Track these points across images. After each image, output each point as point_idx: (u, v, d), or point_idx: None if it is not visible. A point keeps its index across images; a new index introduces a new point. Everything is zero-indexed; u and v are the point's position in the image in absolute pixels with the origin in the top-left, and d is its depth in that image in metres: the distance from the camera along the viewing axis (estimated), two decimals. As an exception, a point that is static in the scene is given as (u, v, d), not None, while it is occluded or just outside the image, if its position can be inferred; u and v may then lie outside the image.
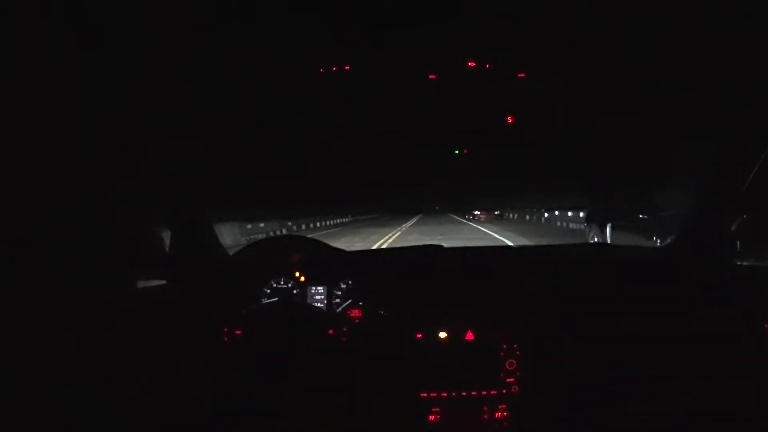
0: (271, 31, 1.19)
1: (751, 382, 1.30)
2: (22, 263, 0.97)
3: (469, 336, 1.39)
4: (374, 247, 9.68)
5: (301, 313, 1.47)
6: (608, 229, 6.60)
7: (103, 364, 1.12)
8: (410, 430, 1.35)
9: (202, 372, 1.30)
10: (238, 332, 1.33)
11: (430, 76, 1.44)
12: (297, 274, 1.66)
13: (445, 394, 1.35)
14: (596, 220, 7.17)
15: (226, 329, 1.34)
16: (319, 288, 1.66)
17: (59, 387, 1.03)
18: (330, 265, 1.67)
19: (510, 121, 1.66)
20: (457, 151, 1.93)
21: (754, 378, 1.30)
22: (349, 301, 1.64)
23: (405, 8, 1.13)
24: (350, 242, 12.44)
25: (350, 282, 1.64)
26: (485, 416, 1.33)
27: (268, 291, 1.64)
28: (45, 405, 1.00)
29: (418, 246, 1.95)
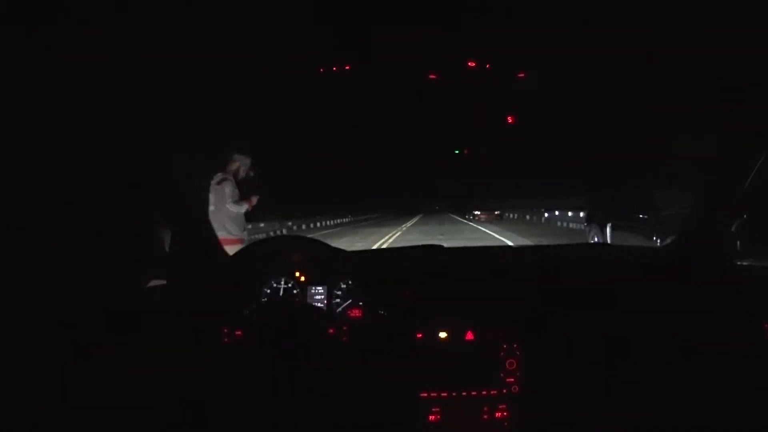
0: (272, 31, 1.19)
1: (751, 382, 1.30)
2: (21, 263, 0.97)
3: (469, 336, 1.39)
4: (374, 246, 9.70)
5: (301, 313, 1.47)
6: (608, 229, 6.63)
7: (103, 364, 1.12)
8: (410, 430, 1.35)
9: (202, 372, 1.30)
10: (238, 332, 1.33)
11: (431, 76, 1.45)
12: (297, 274, 1.66)
13: (445, 394, 1.35)
14: (596, 220, 7.21)
15: (226, 329, 1.33)
16: (319, 288, 1.66)
17: (59, 386, 1.03)
18: (330, 265, 1.67)
19: (510, 121, 1.67)
20: (457, 151, 1.94)
21: (754, 378, 1.30)
22: (349, 301, 1.64)
23: (406, 9, 1.13)
24: (350, 242, 12.45)
25: (350, 282, 1.64)
26: (485, 416, 1.33)
27: (268, 291, 1.64)
28: (44, 404, 1.00)
29: (419, 246, 1.95)
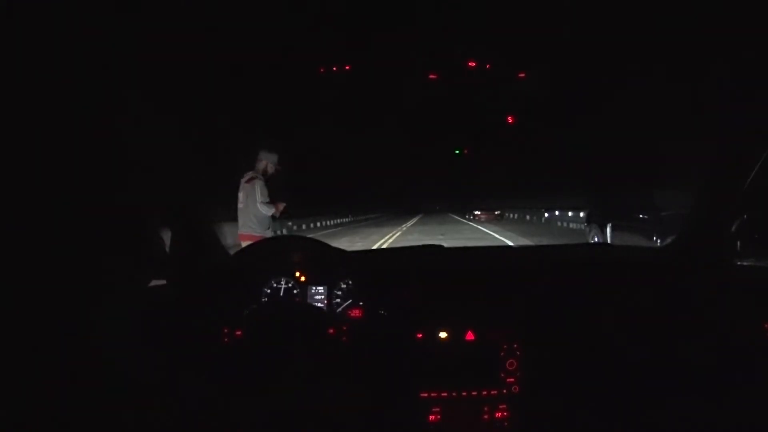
0: (273, 32, 1.19)
1: (751, 382, 1.30)
2: (21, 263, 0.97)
3: (470, 336, 1.39)
4: (375, 246, 9.71)
5: (301, 313, 1.47)
6: (608, 229, 6.65)
7: (102, 364, 1.12)
8: (410, 430, 1.35)
9: (202, 372, 1.30)
10: (238, 332, 1.33)
11: (431, 76, 1.45)
12: (297, 274, 1.66)
13: (445, 394, 1.35)
14: (596, 220, 7.22)
15: (226, 329, 1.34)
16: (319, 288, 1.66)
17: (58, 386, 1.03)
18: (330, 264, 1.67)
19: (510, 121, 1.67)
20: (457, 151, 1.95)
21: (754, 378, 1.30)
22: (350, 301, 1.64)
23: (406, 9, 1.13)
24: (351, 242, 12.46)
25: (350, 282, 1.64)
26: (485, 416, 1.33)
27: (268, 291, 1.64)
28: (44, 404, 1.00)
29: (419, 246, 1.94)
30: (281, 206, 4.08)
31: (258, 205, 3.99)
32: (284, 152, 4.10)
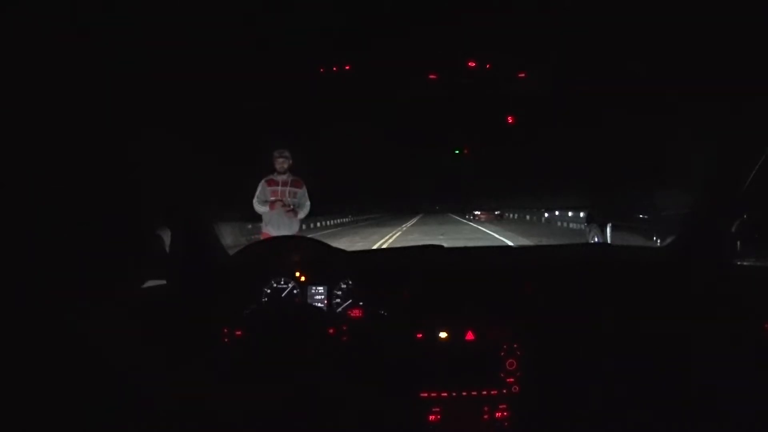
0: (273, 32, 1.19)
1: (751, 382, 1.30)
2: (23, 263, 0.97)
3: (470, 336, 1.39)
4: (375, 247, 9.71)
5: (301, 313, 1.47)
6: (608, 229, 6.64)
7: (103, 363, 1.12)
8: (410, 430, 1.35)
9: (202, 372, 1.30)
10: (238, 333, 1.33)
11: (431, 76, 1.45)
12: (297, 274, 1.66)
13: (445, 394, 1.35)
14: (596, 220, 7.21)
15: (226, 330, 1.34)
16: (319, 288, 1.66)
17: (59, 386, 1.03)
18: (330, 265, 1.67)
19: (510, 121, 1.67)
20: (457, 151, 1.95)
21: (754, 378, 1.30)
22: (350, 301, 1.64)
23: (406, 9, 1.13)
24: (350, 242, 12.46)
25: (350, 282, 1.64)
26: (485, 416, 1.33)
27: (269, 291, 1.64)
28: (44, 405, 1.00)
29: (419, 246, 1.95)
30: (277, 205, 4.16)
31: (253, 201, 4.22)
32: (287, 149, 4.13)
